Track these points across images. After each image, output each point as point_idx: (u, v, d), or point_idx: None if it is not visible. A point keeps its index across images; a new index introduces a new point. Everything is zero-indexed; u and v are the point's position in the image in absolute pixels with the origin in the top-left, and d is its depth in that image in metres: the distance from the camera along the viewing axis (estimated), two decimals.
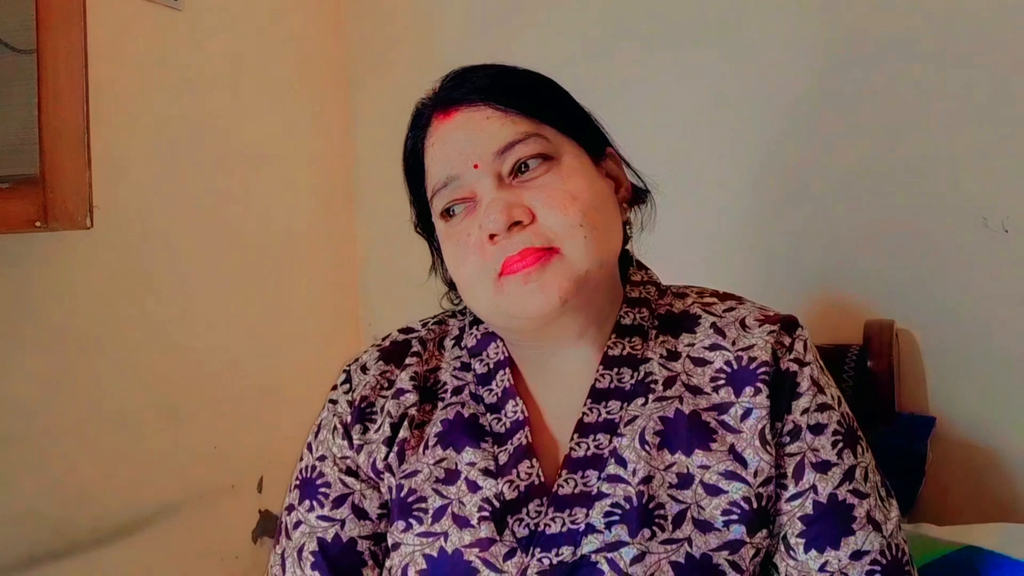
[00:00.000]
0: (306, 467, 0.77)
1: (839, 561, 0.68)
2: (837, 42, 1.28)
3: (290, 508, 0.76)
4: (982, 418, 1.19)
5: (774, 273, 1.34)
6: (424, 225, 0.80)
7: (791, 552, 0.70)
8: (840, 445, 0.71)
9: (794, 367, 0.72)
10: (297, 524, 0.75)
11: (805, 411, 0.71)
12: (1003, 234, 1.17)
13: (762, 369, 0.71)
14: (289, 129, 1.58)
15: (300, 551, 0.74)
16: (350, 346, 1.68)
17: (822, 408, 0.72)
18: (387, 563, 0.73)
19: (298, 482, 0.77)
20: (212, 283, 1.40)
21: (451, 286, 0.81)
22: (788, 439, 0.71)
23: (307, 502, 0.75)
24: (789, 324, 0.74)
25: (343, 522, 0.74)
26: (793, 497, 0.70)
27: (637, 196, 0.80)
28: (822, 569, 0.69)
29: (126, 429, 1.23)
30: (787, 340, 0.73)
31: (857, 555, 0.69)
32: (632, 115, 1.37)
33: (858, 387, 1.17)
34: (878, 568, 0.69)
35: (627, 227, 0.78)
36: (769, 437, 0.69)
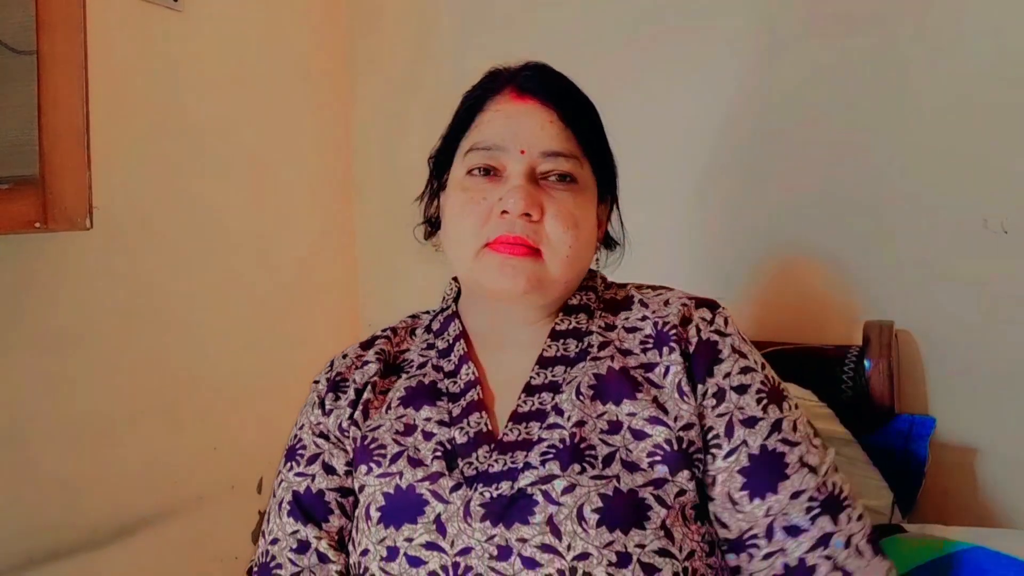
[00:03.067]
0: (291, 438, 0.89)
1: (779, 504, 0.74)
2: (838, 40, 1.28)
3: (278, 474, 0.87)
4: (982, 419, 1.19)
5: (774, 273, 1.34)
6: (438, 161, 0.88)
7: (737, 506, 0.76)
8: (764, 401, 0.78)
9: (715, 337, 0.80)
10: (280, 483, 0.86)
11: (727, 375, 0.78)
12: (1003, 235, 1.17)
13: (673, 331, 0.80)
14: (289, 129, 1.58)
15: (280, 504, 0.84)
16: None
17: (745, 371, 0.79)
18: (356, 511, 0.81)
19: (285, 453, 0.88)
20: (212, 283, 1.40)
21: (430, 224, 0.90)
22: (715, 401, 0.78)
23: (288, 463, 0.86)
24: (710, 303, 0.84)
25: (314, 476, 0.84)
26: (728, 454, 0.76)
27: (608, 242, 0.91)
28: (767, 515, 0.74)
29: (126, 430, 1.23)
30: (708, 315, 0.82)
31: (795, 495, 0.74)
32: (632, 114, 1.37)
33: (857, 388, 1.17)
34: (816, 503, 0.74)
35: (596, 259, 0.90)
36: (686, 388, 0.77)
